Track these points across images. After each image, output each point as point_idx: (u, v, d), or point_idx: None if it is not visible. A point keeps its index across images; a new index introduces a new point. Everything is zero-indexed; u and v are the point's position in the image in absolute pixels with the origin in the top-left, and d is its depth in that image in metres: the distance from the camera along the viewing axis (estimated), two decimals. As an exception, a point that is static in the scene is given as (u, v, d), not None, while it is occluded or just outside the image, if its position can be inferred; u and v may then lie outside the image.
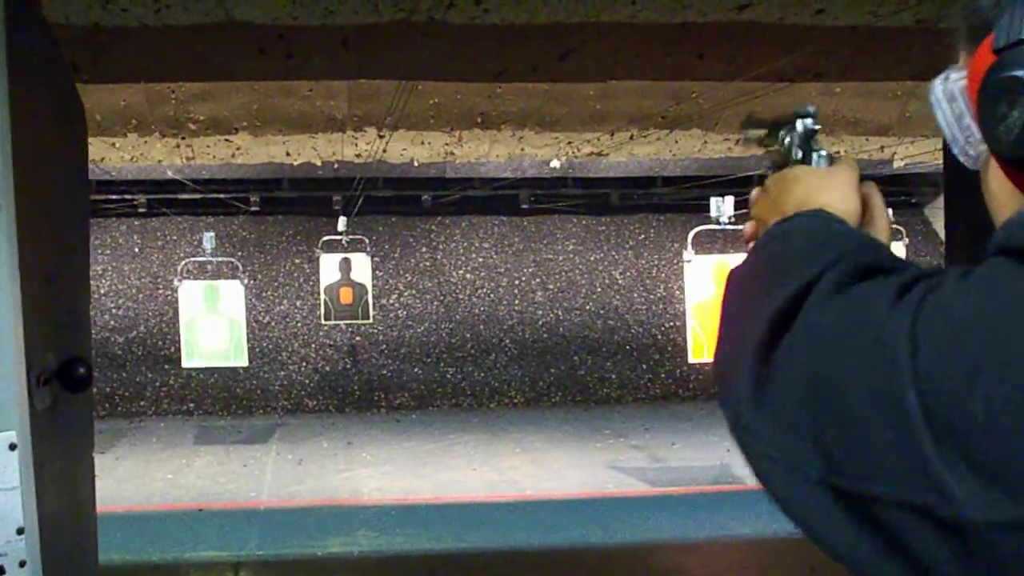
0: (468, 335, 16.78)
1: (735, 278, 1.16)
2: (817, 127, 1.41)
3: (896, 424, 0.84)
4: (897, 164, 11.91)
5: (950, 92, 1.06)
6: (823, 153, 1.38)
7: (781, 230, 1.19)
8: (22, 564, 1.83)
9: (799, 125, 1.40)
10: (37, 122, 2.28)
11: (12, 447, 1.81)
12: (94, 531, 2.86)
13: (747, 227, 1.35)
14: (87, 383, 2.31)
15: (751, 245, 1.26)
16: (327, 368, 16.58)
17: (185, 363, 12.82)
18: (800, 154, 1.39)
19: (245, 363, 13.17)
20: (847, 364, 0.90)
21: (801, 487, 0.92)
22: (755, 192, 1.38)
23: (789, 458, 0.93)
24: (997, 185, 1.03)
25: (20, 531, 1.82)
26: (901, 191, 14.87)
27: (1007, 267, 0.86)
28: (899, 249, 12.77)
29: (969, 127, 1.04)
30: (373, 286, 14.46)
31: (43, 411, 2.21)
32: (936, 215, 16.00)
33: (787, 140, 1.41)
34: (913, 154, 10.98)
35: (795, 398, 0.94)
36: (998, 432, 0.79)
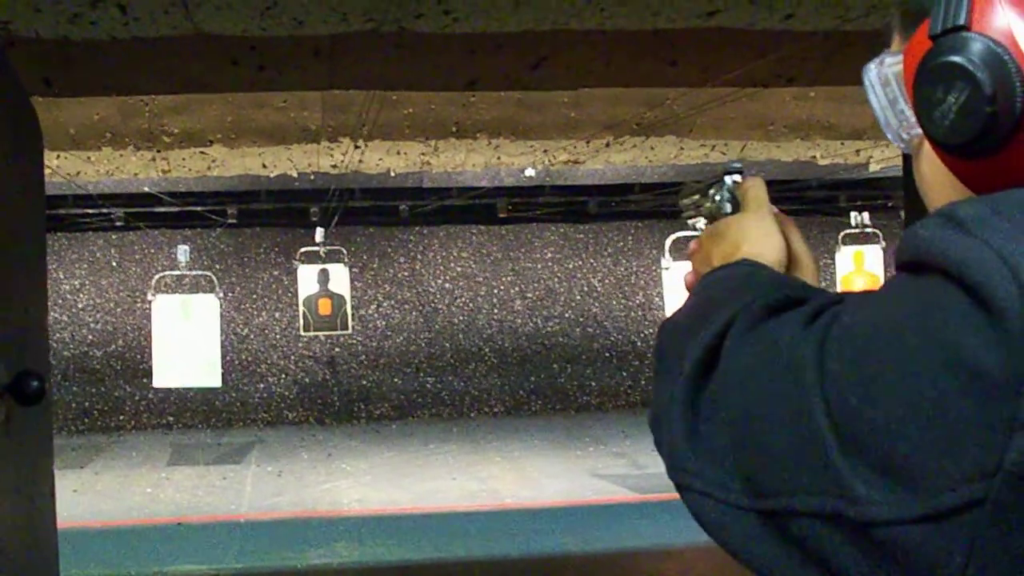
0: (447, 345, 16.76)
1: (664, 330, 1.22)
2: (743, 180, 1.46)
3: (807, 439, 0.88)
4: (873, 167, 11.93)
5: (884, 76, 1.10)
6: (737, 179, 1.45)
7: (704, 283, 1.25)
8: (-34, 579, 1.81)
9: (727, 180, 1.46)
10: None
11: (-45, 461, 1.79)
12: (54, 546, 2.83)
13: (687, 277, 1.41)
14: (41, 397, 2.29)
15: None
16: (306, 380, 16.54)
17: (156, 383, 12.40)
18: (729, 208, 1.44)
19: (218, 384, 12.73)
20: (762, 392, 0.94)
21: (732, 517, 0.97)
22: (692, 244, 1.44)
23: (720, 491, 0.98)
24: (929, 169, 1.07)
25: (-36, 546, 1.80)
26: (878, 195, 14.90)
27: (902, 280, 0.90)
28: (877, 252, 12.82)
29: (903, 112, 1.08)
30: (352, 297, 14.40)
31: (-5, 425, 2.20)
32: (913, 218, 16.02)
33: (717, 197, 1.47)
34: (889, 157, 11.02)
35: (722, 434, 0.98)
36: (899, 438, 0.81)
